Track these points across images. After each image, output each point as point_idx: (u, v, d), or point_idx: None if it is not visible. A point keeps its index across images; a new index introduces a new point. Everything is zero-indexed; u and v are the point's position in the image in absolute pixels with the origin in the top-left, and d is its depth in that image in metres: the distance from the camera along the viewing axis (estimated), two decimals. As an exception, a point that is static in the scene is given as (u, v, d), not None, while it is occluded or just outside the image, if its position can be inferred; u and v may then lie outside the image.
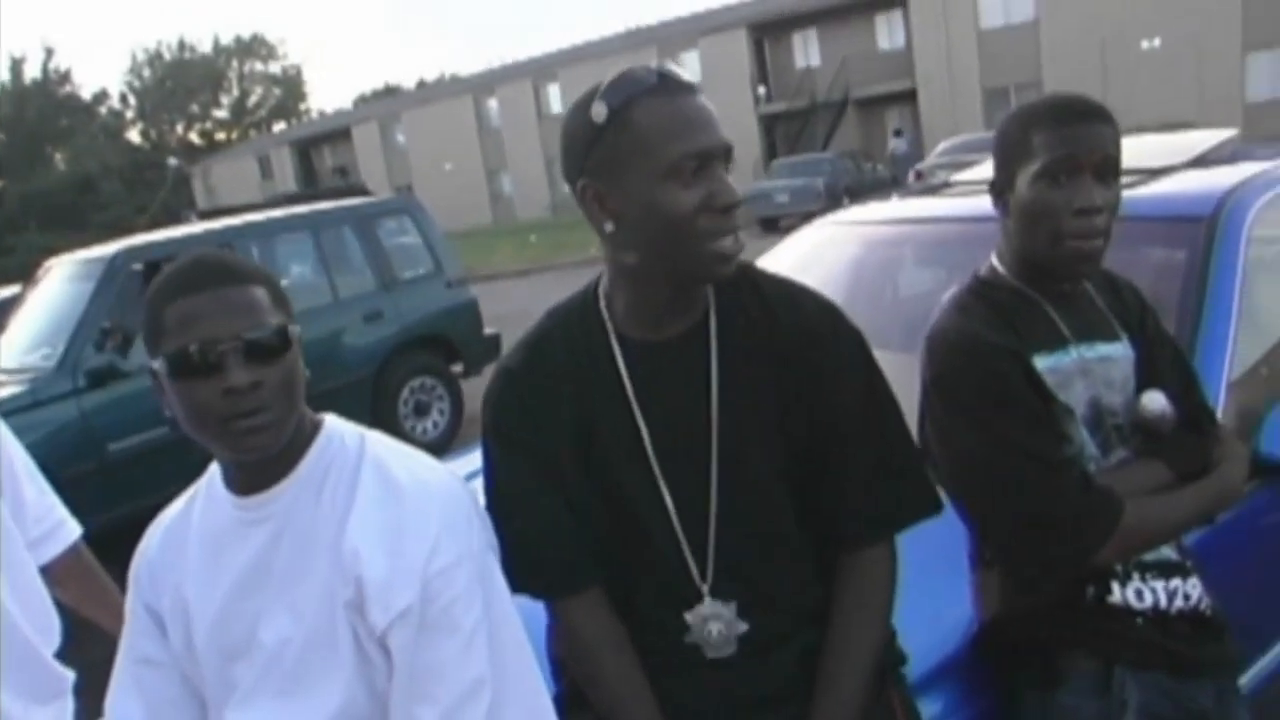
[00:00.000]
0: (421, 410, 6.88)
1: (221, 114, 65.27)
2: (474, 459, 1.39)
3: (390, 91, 64.21)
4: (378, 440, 1.26)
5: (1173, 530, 1.43)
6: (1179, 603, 1.44)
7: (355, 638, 1.16)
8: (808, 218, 3.62)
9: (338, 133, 46.49)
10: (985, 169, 1.81)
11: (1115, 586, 1.42)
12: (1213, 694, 1.44)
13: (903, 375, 1.46)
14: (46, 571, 1.75)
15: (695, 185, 1.17)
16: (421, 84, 63.57)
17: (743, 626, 1.29)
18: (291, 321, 1.17)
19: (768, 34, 33.71)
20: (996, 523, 1.42)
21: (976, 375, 1.39)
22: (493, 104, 39.32)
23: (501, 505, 1.30)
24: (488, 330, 7.38)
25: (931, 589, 1.51)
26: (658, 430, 1.27)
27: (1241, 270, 2.17)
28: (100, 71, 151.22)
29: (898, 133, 26.13)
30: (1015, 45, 28.16)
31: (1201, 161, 2.69)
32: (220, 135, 63.46)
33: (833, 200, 19.09)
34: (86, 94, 62.80)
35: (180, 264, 1.14)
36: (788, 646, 1.30)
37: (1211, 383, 1.96)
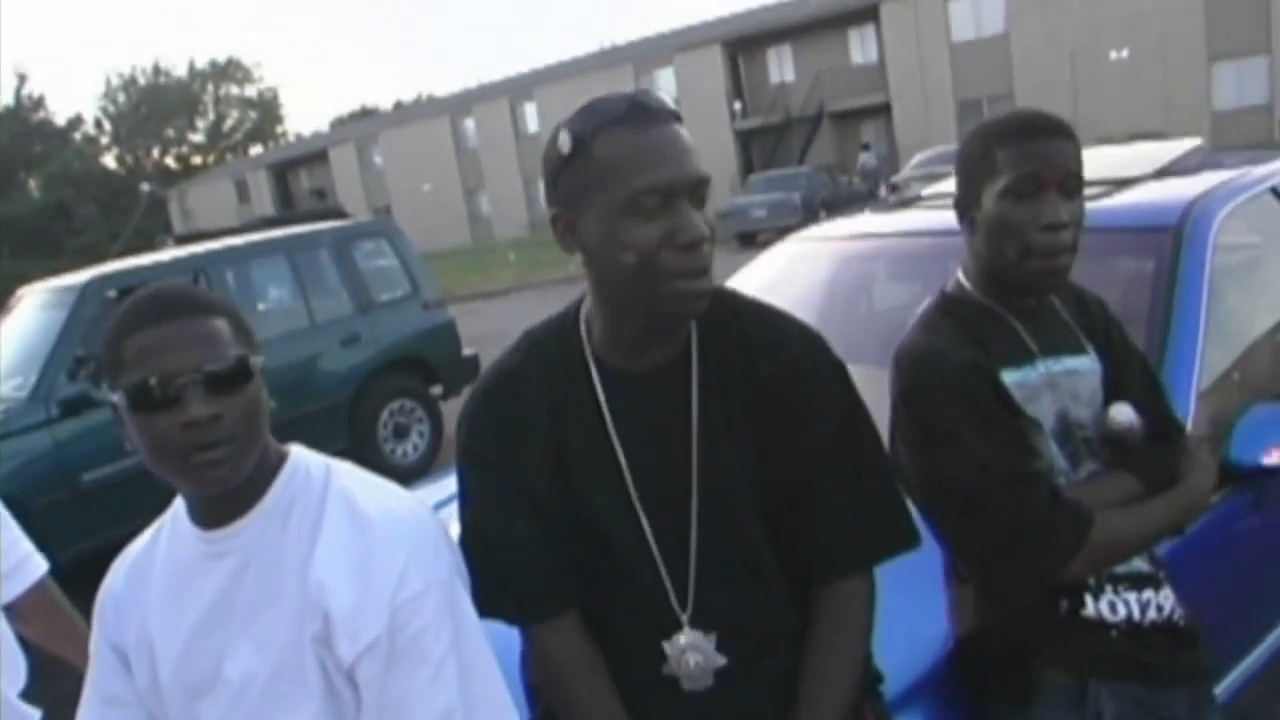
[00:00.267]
0: (401, 433, 6.83)
1: (198, 138, 65.16)
2: (453, 482, 1.37)
3: (367, 113, 64.22)
4: (344, 470, 1.25)
5: (1143, 542, 1.43)
6: (1152, 614, 1.44)
7: (323, 671, 1.15)
8: (785, 232, 3.63)
9: (315, 155, 46.43)
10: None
11: (1088, 599, 1.43)
12: (1187, 703, 1.44)
13: (877, 389, 1.46)
14: (12, 608, 1.73)
15: (658, 220, 1.14)
16: (398, 105, 63.56)
17: (721, 660, 1.27)
18: (254, 353, 1.16)
19: (742, 50, 33.97)
20: (967, 538, 1.42)
21: (944, 391, 1.39)
22: (469, 124, 39.38)
23: (476, 529, 1.29)
24: (466, 351, 7.34)
25: (907, 605, 1.50)
26: (636, 459, 1.26)
27: (1209, 278, 2.18)
28: (75, 97, 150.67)
29: (865, 147, 26.50)
30: (987, 58, 28.54)
31: (1167, 171, 2.72)
32: (197, 159, 63.29)
33: (810, 214, 19.17)
34: (61, 119, 62.42)
35: (140, 296, 1.13)
36: (765, 676, 1.29)
37: (1181, 392, 1.97)
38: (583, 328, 1.30)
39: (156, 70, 63.98)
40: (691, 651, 1.26)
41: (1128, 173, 2.69)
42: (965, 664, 1.53)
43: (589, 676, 1.27)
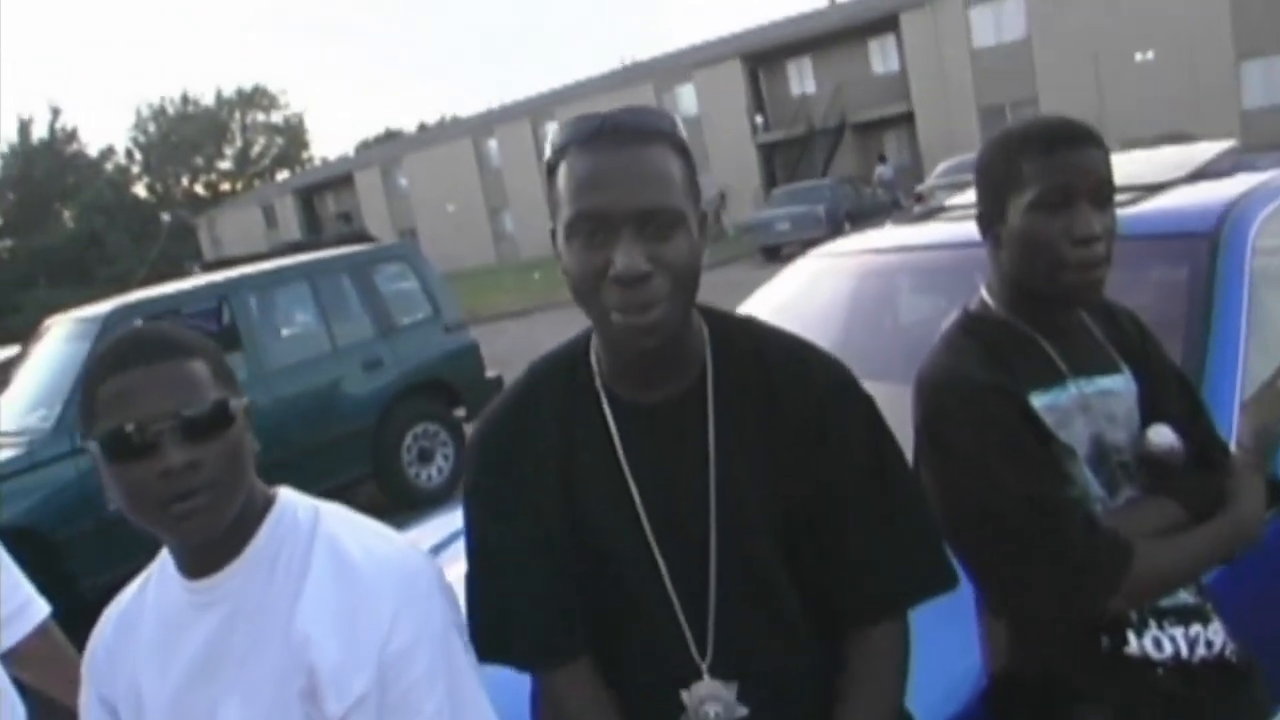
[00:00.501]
0: (425, 457, 6.81)
1: (226, 165, 66.14)
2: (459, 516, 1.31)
3: (391, 136, 64.94)
4: (333, 514, 1.20)
5: (1189, 573, 1.34)
6: (1201, 650, 1.35)
7: None
8: (809, 245, 3.57)
9: (340, 179, 46.95)
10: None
11: (1131, 636, 1.33)
12: (1241, 746, 1.35)
13: (903, 408, 1.39)
14: (12, 653, 1.69)
15: (594, 251, 1.09)
16: (422, 127, 64.20)
17: (742, 711, 1.20)
18: (235, 395, 1.11)
19: (762, 64, 33.99)
20: (997, 573, 1.33)
21: (968, 417, 1.31)
22: (492, 144, 39.66)
23: (483, 569, 1.23)
24: (490, 373, 7.32)
25: (936, 638, 1.41)
26: (651, 497, 1.19)
27: (1248, 285, 2.11)
28: (106, 128, 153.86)
29: (882, 159, 26.74)
30: (1009, 63, 28.36)
31: (1201, 175, 2.63)
32: (225, 186, 64.26)
33: (834, 226, 19.10)
34: (93, 151, 63.68)
35: (115, 339, 1.10)
36: None
37: (1223, 404, 1.89)
38: (593, 357, 1.24)
39: (185, 99, 65.19)
40: (711, 702, 1.19)
41: (1159, 177, 2.61)
42: (999, 704, 1.44)
43: None
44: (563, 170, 1.11)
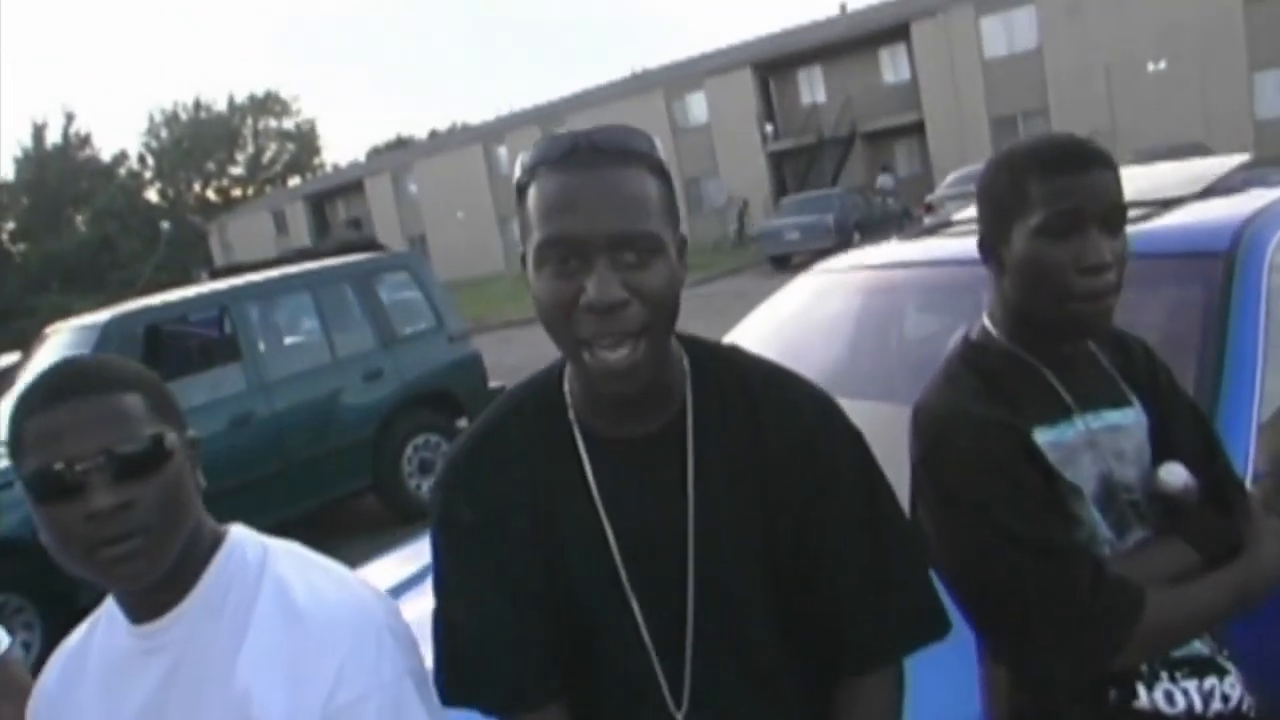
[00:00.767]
0: (426, 468, 6.72)
1: (237, 170, 66.48)
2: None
3: (402, 143, 65.10)
4: (283, 554, 1.12)
5: (1203, 623, 1.26)
6: (1217, 704, 1.26)
7: None
8: (819, 254, 3.50)
9: (351, 185, 47.06)
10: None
11: (1141, 689, 1.25)
12: (1260, 807, 1.26)
13: (905, 429, 1.32)
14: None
15: (566, 278, 1.01)
16: (433, 134, 64.36)
17: None
18: (175, 429, 1.04)
19: (773, 72, 33.96)
20: (997, 622, 1.25)
21: (967, 454, 1.23)
22: (502, 151, 39.66)
23: (451, 610, 1.16)
24: (493, 384, 7.26)
25: (935, 686, 1.33)
26: (626, 537, 1.12)
27: (1265, 305, 2.02)
28: (119, 133, 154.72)
29: (885, 169, 26.86)
30: (1020, 73, 28.26)
31: (1214, 190, 2.54)
32: (236, 192, 64.54)
33: (843, 236, 19.03)
34: (106, 156, 64.06)
35: (43, 372, 1.03)
36: None
37: (1240, 430, 1.81)
38: (566, 387, 1.17)
39: (197, 105, 65.54)
40: None
41: (1170, 192, 2.52)
42: (1001, 756, 1.35)
43: None
44: (533, 191, 1.04)
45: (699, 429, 1.13)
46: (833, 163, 31.10)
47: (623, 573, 1.12)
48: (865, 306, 2.87)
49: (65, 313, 7.30)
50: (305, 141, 68.12)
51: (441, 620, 1.16)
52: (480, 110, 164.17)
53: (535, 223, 1.02)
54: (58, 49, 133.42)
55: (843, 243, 17.69)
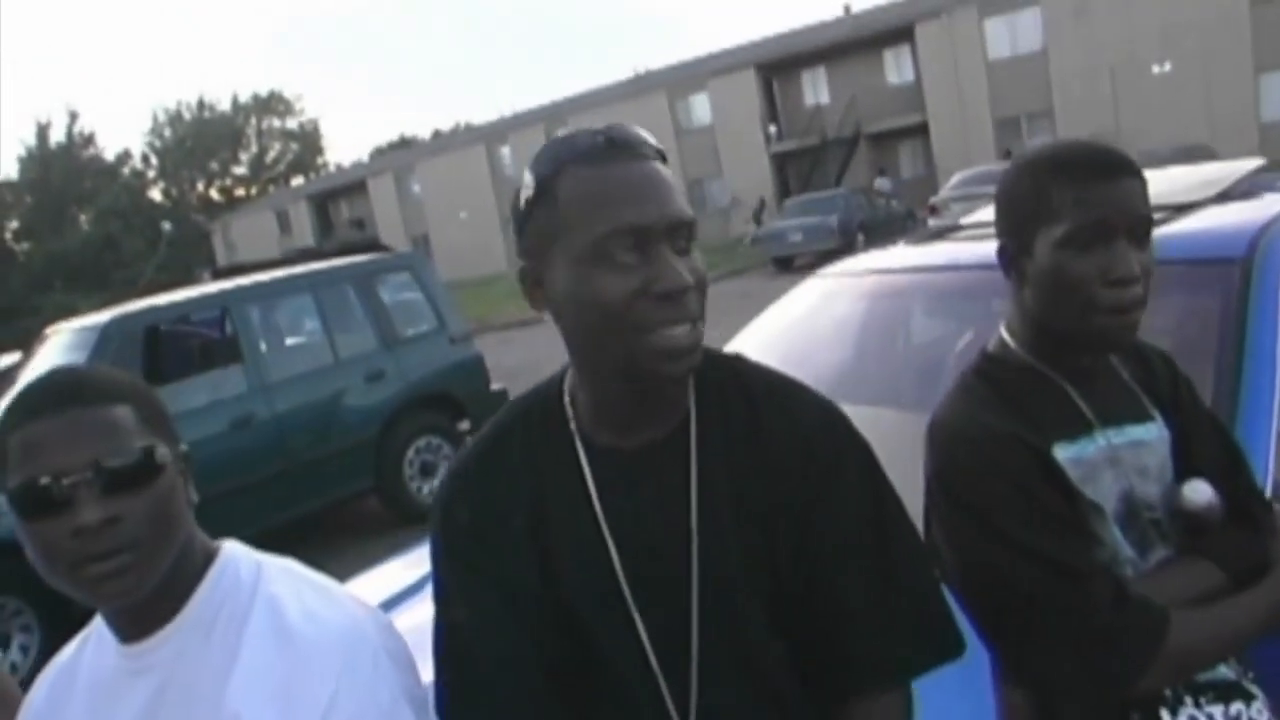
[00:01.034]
0: (428, 471, 6.69)
1: (241, 170, 66.54)
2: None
3: (405, 143, 65.12)
4: (277, 571, 1.09)
5: (1231, 645, 1.21)
6: (1243, 731, 1.22)
7: None
8: (823, 256, 3.46)
9: (354, 185, 47.06)
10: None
11: (1165, 714, 1.21)
12: (1286, 837, 1.22)
13: (912, 434, 1.29)
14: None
15: (630, 269, 0.98)
16: (436, 134, 64.37)
17: None
18: (167, 442, 1.00)
19: (776, 73, 33.92)
20: (1015, 645, 1.21)
21: (984, 471, 1.19)
22: (505, 152, 39.67)
23: (450, 628, 1.13)
24: (495, 385, 7.23)
25: (948, 709, 1.29)
26: (628, 551, 1.09)
27: (1284, 313, 1.97)
28: (123, 133, 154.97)
29: (882, 172, 26.92)
30: (1024, 75, 28.21)
31: (1229, 195, 2.50)
32: (240, 191, 64.60)
33: (847, 237, 18.98)
34: (110, 155, 64.15)
35: (30, 382, 1.00)
36: None
37: (1259, 439, 1.76)
38: (567, 399, 1.14)
39: (201, 105, 65.66)
40: None
41: (1184, 197, 2.48)
42: (1018, 782, 1.31)
43: None
44: (564, 190, 1.01)
45: (703, 439, 1.11)
46: (836, 164, 31.04)
47: (625, 587, 1.09)
48: (873, 311, 2.83)
49: (69, 312, 7.27)
50: (309, 141, 68.18)
51: (441, 639, 1.13)
52: (483, 110, 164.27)
53: (581, 219, 0.99)
54: (62, 48, 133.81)
55: (847, 244, 17.65)
